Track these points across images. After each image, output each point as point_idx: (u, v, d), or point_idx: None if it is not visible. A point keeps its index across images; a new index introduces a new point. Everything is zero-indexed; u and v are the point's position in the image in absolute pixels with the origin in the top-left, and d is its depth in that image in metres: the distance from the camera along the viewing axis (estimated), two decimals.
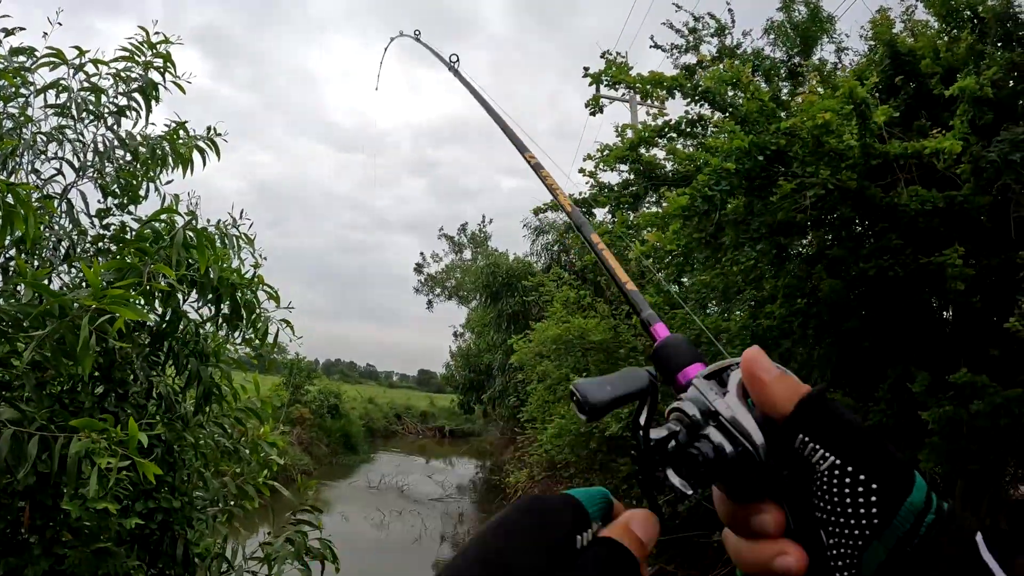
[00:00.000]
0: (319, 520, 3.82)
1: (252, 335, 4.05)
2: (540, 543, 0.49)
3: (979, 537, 0.50)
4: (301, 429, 24.01)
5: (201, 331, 3.90)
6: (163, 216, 3.59)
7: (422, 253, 44.65)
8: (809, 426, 0.54)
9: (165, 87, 4.11)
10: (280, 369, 28.26)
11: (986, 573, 0.48)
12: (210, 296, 3.71)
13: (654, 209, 7.03)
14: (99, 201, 4.09)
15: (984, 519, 6.05)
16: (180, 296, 3.59)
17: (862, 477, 0.51)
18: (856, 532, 0.50)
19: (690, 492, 0.62)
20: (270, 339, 4.13)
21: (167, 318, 3.64)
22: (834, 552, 0.51)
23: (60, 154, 4.00)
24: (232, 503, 4.07)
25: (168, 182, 4.30)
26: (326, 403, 27.34)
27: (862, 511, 0.50)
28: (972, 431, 5.30)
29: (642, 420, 0.64)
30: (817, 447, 0.53)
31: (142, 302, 3.22)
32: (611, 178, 7.39)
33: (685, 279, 11.14)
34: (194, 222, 3.85)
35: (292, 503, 4.25)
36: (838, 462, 0.52)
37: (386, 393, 49.91)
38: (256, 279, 3.91)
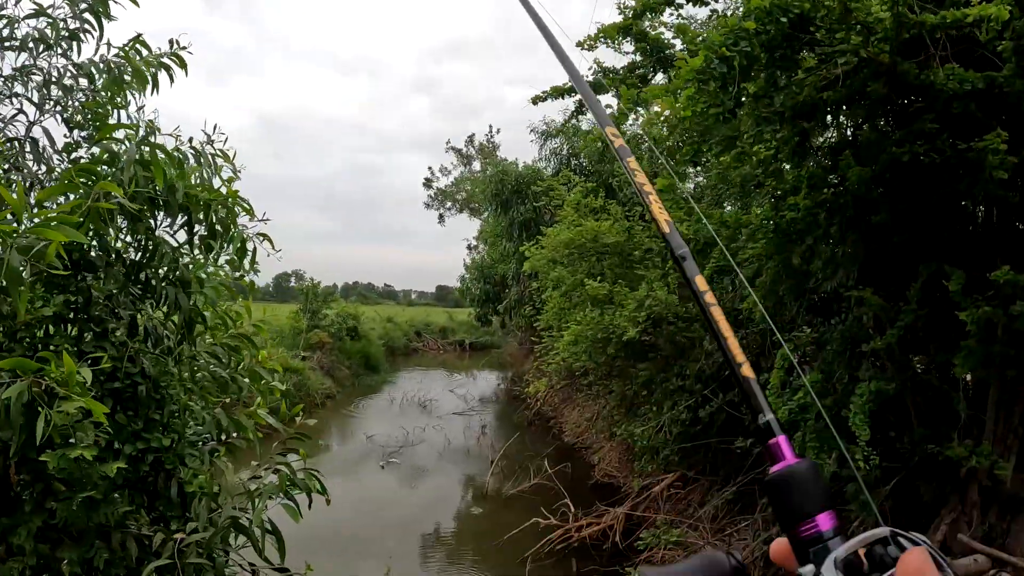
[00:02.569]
0: (302, 452, 3.56)
1: (232, 255, 3.74)
2: None
3: None
4: (321, 353, 24.19)
5: (181, 258, 3.60)
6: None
7: (430, 168, 43.78)
8: None
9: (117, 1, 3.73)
10: (297, 296, 28.42)
11: None
12: (181, 217, 3.43)
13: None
14: (65, 136, 3.89)
15: (1016, 428, 5.80)
16: (152, 222, 3.32)
17: None
18: None
19: None
20: (249, 259, 3.79)
21: (142, 247, 3.39)
22: None
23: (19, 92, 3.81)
24: (226, 437, 3.82)
25: (140, 107, 4.02)
26: (345, 326, 27.49)
27: None
28: (1010, 335, 5.03)
29: None
30: None
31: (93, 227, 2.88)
32: (616, 62, 6.84)
33: (698, 169, 10.61)
34: (153, 138, 3.55)
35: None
36: None
37: (405, 311, 50.31)
38: (229, 193, 3.57)
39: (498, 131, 29.53)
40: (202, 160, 3.66)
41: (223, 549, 3.08)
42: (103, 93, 3.89)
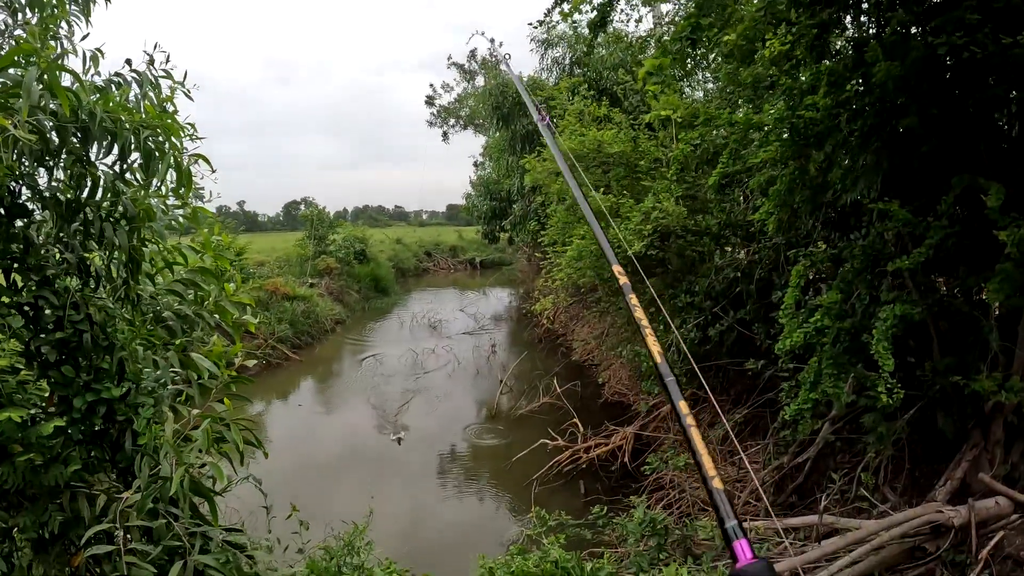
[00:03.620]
0: (227, 401, 3.24)
1: (175, 184, 3.36)
2: None
3: None
4: (329, 279, 24.06)
5: (123, 191, 3.22)
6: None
7: (432, 85, 42.32)
8: None
9: None
10: (302, 225, 28.10)
11: None
12: (108, 144, 3.05)
13: None
14: None
15: None
16: (88, 155, 2.99)
17: None
18: None
19: None
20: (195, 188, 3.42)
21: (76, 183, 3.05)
22: None
23: None
24: (186, 382, 3.50)
25: (85, 36, 3.53)
26: (352, 250, 27.26)
27: None
28: None
29: None
30: None
31: None
32: None
33: (706, 75, 9.89)
34: (64, 60, 3.12)
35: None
36: None
37: (415, 232, 50.10)
38: (163, 115, 3.17)
39: (500, 44, 28.04)
40: (144, 83, 3.30)
41: (167, 511, 2.79)
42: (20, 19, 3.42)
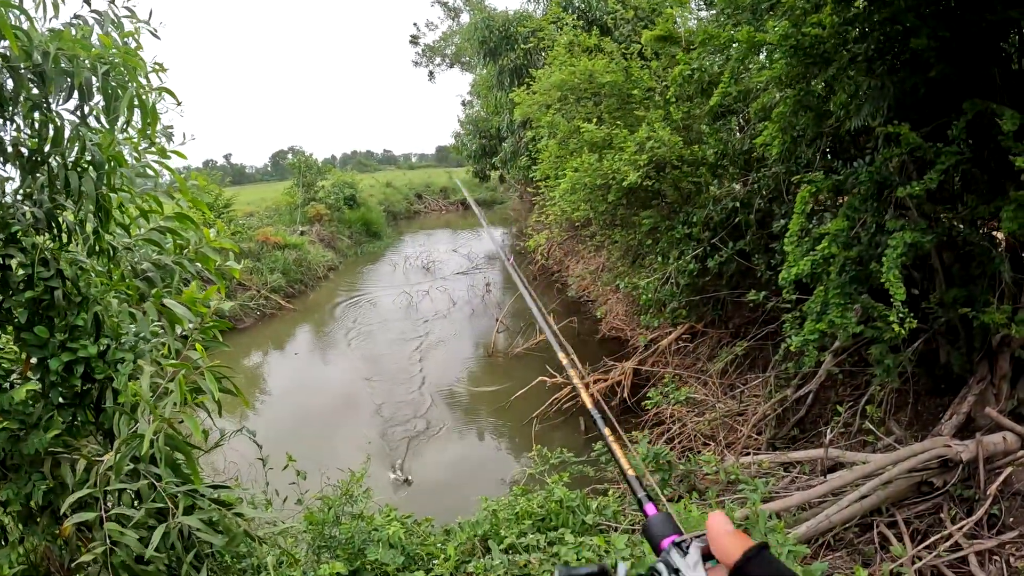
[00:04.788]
0: (199, 347, 3.07)
1: (142, 124, 3.16)
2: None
3: None
4: (320, 226, 23.77)
5: (89, 137, 3.02)
6: None
7: (415, 24, 40.89)
8: (751, 568, 0.77)
9: None
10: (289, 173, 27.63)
11: None
12: (68, 88, 2.84)
13: None
14: None
15: None
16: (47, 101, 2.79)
17: None
18: None
19: None
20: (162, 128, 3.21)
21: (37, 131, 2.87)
22: None
23: None
24: (167, 335, 3.33)
25: None
26: (342, 195, 26.89)
27: None
28: None
29: None
30: None
31: None
32: None
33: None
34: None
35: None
36: None
37: (405, 175, 49.48)
38: (124, 50, 2.95)
39: None
40: (106, 22, 3.04)
41: (147, 472, 2.65)
42: None
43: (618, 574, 0.90)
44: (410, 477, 8.01)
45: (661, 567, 0.86)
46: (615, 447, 1.26)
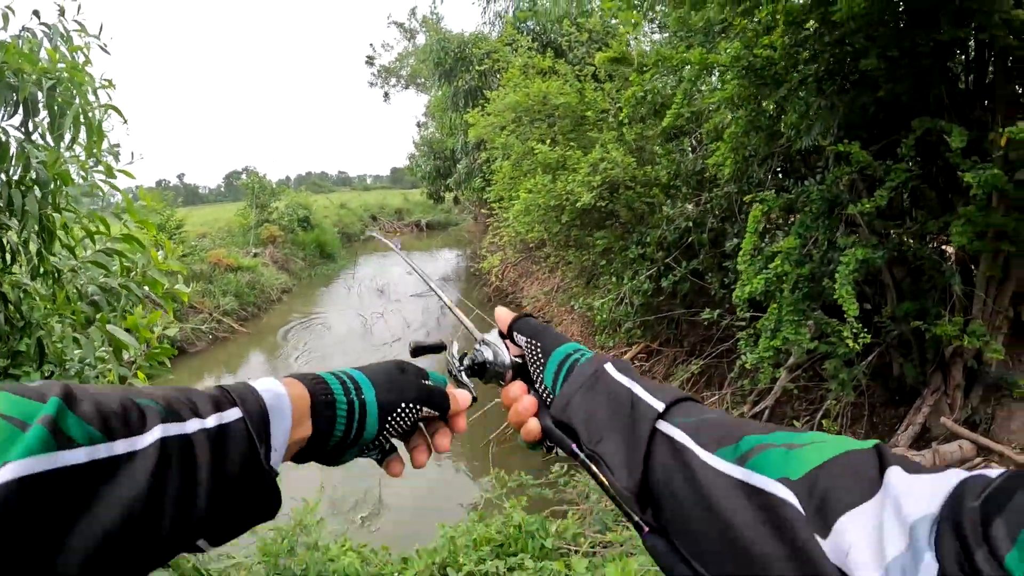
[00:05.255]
0: (142, 375, 2.90)
1: (87, 142, 3.05)
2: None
3: (608, 365, 0.85)
4: (274, 248, 23.35)
5: (35, 155, 2.89)
6: None
7: (371, 44, 40.94)
8: (518, 327, 1.00)
9: None
10: (242, 195, 27.16)
11: (606, 377, 0.84)
12: (14, 103, 2.72)
13: None
14: None
15: (1007, 308, 5.43)
16: None
17: (536, 343, 0.94)
18: (538, 368, 0.92)
19: (473, 390, 1.08)
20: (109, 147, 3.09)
21: None
22: (537, 386, 0.92)
23: None
24: (112, 362, 3.17)
25: None
26: (296, 217, 26.54)
27: (539, 357, 0.92)
28: (1008, 205, 4.68)
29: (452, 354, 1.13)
30: (521, 335, 0.98)
31: None
32: None
33: (654, 25, 9.64)
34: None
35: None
36: (528, 339, 0.96)
37: (360, 197, 49.19)
38: (70, 65, 2.85)
39: (441, 1, 27.07)
40: (55, 35, 2.96)
41: None
42: None
43: (451, 349, 1.14)
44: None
45: (480, 344, 1.08)
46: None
